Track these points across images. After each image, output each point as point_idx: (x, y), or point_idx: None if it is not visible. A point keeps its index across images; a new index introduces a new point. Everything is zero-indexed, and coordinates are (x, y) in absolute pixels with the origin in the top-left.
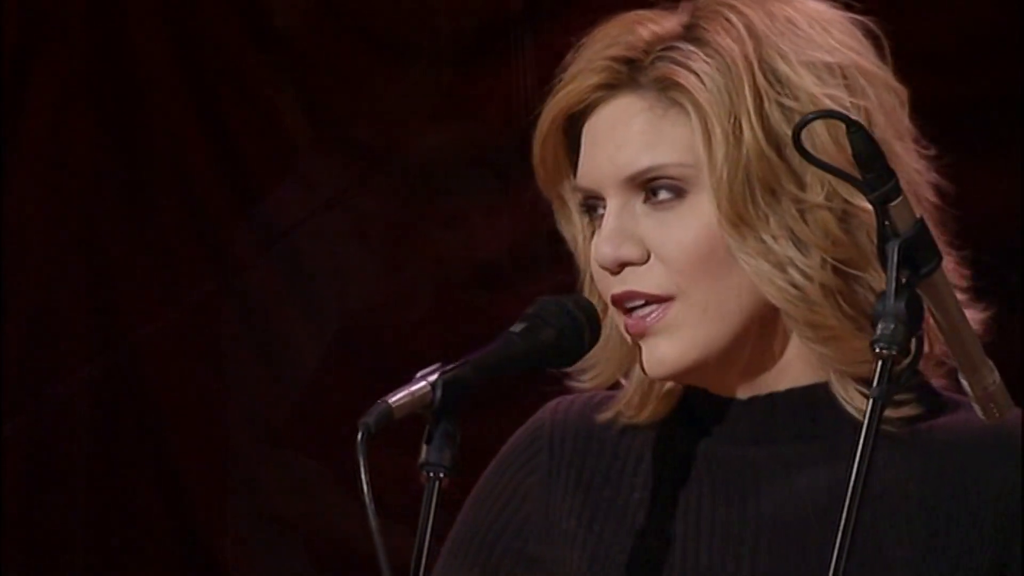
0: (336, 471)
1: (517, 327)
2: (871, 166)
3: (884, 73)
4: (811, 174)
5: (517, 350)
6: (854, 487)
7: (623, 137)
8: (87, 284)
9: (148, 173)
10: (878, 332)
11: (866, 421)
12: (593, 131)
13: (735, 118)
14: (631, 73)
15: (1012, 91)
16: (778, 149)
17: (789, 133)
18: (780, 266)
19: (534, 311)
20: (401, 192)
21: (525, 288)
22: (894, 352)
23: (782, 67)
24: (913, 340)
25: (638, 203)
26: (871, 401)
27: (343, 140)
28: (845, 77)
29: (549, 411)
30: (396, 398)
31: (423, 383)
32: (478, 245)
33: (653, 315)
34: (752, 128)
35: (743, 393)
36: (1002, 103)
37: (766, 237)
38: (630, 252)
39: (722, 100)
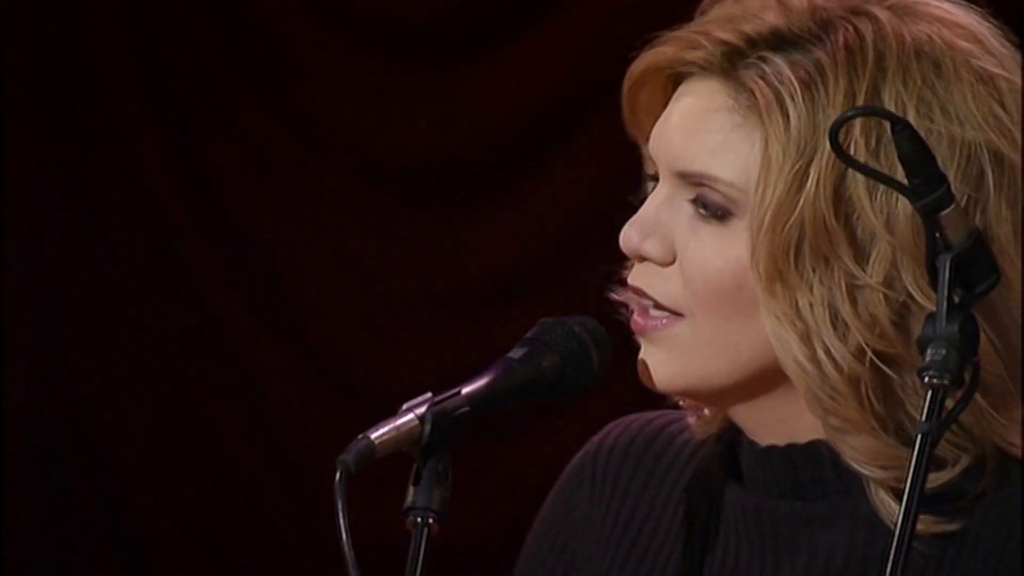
0: (311, 514)
1: (516, 352)
2: (919, 171)
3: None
4: (877, 252)
5: (516, 378)
6: (899, 538)
7: (692, 128)
8: (29, 296)
9: (99, 185)
10: (927, 359)
11: (913, 460)
12: (676, 102)
13: (804, 163)
14: (730, 61)
15: None
16: (846, 214)
17: (864, 200)
18: (806, 339)
19: (536, 334)
20: (384, 197)
21: (526, 307)
22: (945, 382)
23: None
24: (968, 368)
25: (686, 200)
26: (919, 437)
27: (318, 140)
28: (967, 159)
29: (600, 436)
30: (379, 433)
31: (410, 416)
32: (472, 256)
33: (657, 322)
34: (820, 180)
35: (763, 438)
36: None
37: (802, 303)
38: (653, 249)
39: (798, 138)
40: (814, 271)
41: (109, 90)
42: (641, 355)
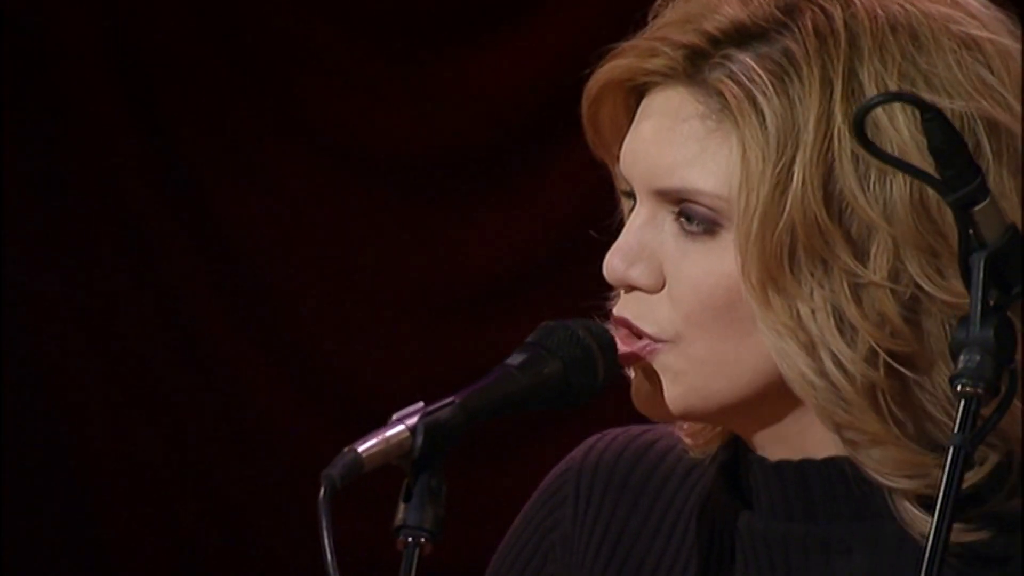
0: (295, 531)
1: (515, 359)
2: (951, 162)
3: (1018, 120)
4: (877, 246)
5: (515, 387)
6: (930, 558)
7: (665, 141)
8: (5, 302)
9: (76, 182)
10: (960, 366)
11: (945, 475)
12: (643, 116)
13: (787, 161)
14: (694, 65)
15: None
16: (839, 209)
17: (856, 191)
18: (811, 350)
19: (536, 339)
20: (371, 194)
21: (526, 309)
22: (980, 390)
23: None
24: (1005, 375)
25: (669, 219)
26: (951, 450)
27: (307, 135)
28: (962, 130)
29: (582, 451)
30: (367, 445)
31: (400, 427)
32: (469, 255)
33: (645, 346)
34: (806, 177)
35: (774, 453)
36: None
37: (803, 312)
38: (640, 276)
39: (776, 136)
40: (812, 275)
41: (91, 84)
42: (634, 388)
